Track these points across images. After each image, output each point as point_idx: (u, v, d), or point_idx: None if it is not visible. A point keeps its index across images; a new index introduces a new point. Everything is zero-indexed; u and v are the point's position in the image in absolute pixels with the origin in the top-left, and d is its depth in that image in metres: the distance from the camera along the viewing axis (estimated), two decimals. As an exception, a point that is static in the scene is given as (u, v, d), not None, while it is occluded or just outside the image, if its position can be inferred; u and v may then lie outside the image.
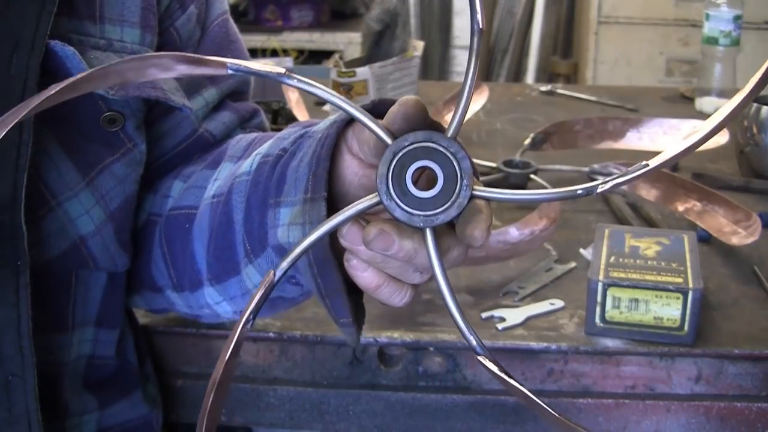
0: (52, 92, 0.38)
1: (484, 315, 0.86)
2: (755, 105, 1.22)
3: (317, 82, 0.44)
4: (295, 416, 0.84)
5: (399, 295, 0.51)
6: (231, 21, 0.77)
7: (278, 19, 2.85)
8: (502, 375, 0.45)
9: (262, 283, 0.46)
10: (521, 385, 0.44)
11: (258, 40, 2.67)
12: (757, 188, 1.20)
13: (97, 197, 0.65)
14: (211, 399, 0.45)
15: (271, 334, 0.83)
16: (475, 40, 0.42)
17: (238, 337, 0.45)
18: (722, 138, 1.26)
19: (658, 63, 2.78)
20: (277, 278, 0.46)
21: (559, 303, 0.88)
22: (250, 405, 0.84)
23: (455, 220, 0.45)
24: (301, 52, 2.78)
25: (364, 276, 0.50)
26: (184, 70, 0.41)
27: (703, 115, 1.50)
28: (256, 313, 0.46)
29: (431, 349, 0.82)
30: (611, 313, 0.81)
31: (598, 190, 0.42)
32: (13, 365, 0.60)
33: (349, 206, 0.46)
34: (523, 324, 0.84)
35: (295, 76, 0.43)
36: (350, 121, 0.54)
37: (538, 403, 0.44)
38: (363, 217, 0.47)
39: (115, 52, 0.63)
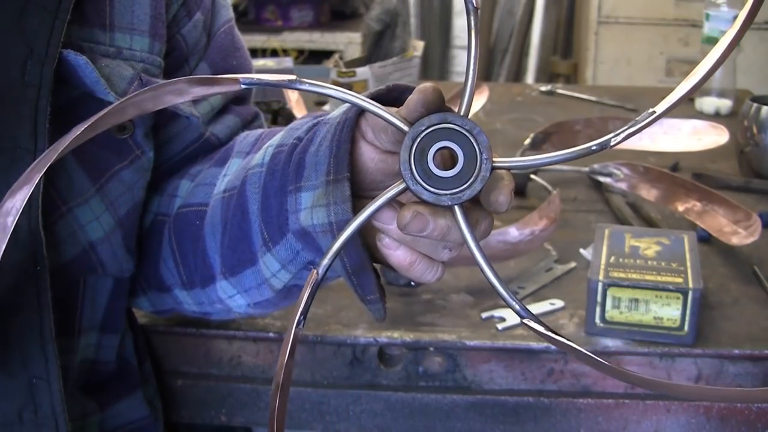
0: (77, 134, 0.39)
1: (484, 315, 0.86)
2: (755, 105, 1.22)
3: (323, 83, 0.46)
4: (295, 416, 0.84)
5: (431, 271, 0.53)
6: (236, 28, 0.78)
7: (278, 19, 2.85)
8: (550, 334, 0.46)
9: (306, 284, 0.48)
10: (569, 341, 0.46)
11: (258, 40, 2.67)
12: (757, 188, 1.20)
13: (107, 203, 0.66)
14: (277, 403, 0.47)
15: (271, 334, 0.83)
16: (473, 18, 0.45)
17: (292, 339, 0.47)
18: (722, 138, 1.26)
19: (658, 63, 2.78)
20: (320, 276, 0.48)
21: (559, 303, 0.88)
22: (250, 405, 0.84)
23: (479, 194, 0.47)
24: (301, 52, 2.78)
25: (397, 254, 0.52)
26: (199, 92, 0.43)
27: (703, 115, 1.50)
28: (305, 313, 0.48)
29: (431, 349, 0.82)
30: (611, 313, 0.81)
31: (612, 143, 0.44)
32: (37, 368, 0.60)
33: (379, 196, 0.48)
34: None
35: (305, 80, 0.45)
36: None
37: (594, 359, 0.45)
38: (396, 201, 0.50)
39: (124, 60, 0.64)
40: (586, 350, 0.45)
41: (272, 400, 0.46)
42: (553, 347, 0.81)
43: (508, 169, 0.47)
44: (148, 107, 0.42)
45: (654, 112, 0.43)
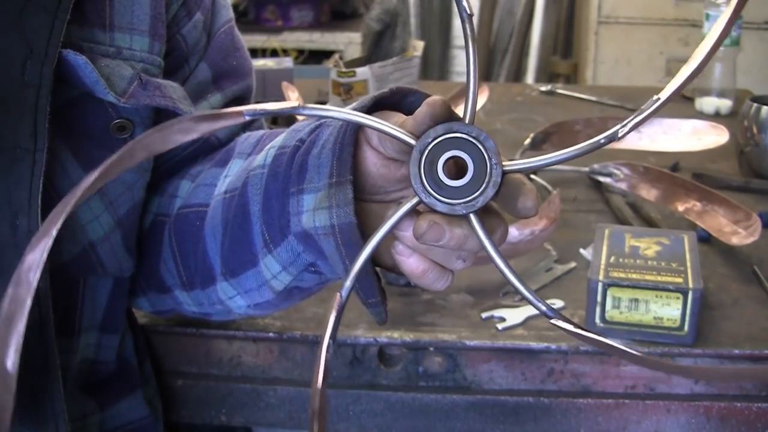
0: (89, 183, 0.39)
1: (484, 315, 0.86)
2: (755, 105, 1.22)
3: (327, 106, 0.46)
4: (295, 416, 0.84)
5: (441, 280, 0.53)
6: (236, 28, 0.78)
7: (278, 19, 2.85)
8: (580, 331, 0.46)
9: (331, 307, 0.48)
10: (602, 337, 0.46)
11: (258, 40, 2.67)
12: (757, 188, 1.20)
13: (106, 203, 0.66)
14: (316, 429, 0.47)
15: (271, 334, 0.83)
16: (468, 26, 0.45)
17: (323, 364, 0.47)
18: (722, 138, 1.26)
19: (658, 63, 2.78)
20: (344, 299, 0.48)
21: (559, 303, 0.88)
22: (250, 405, 0.84)
23: (494, 200, 0.47)
24: (301, 52, 2.78)
25: (410, 262, 0.51)
26: (205, 128, 0.43)
27: (703, 115, 1.50)
28: (334, 337, 0.48)
29: (431, 349, 0.82)
30: (611, 313, 0.81)
31: (620, 134, 0.44)
32: (38, 368, 0.60)
33: (394, 211, 0.48)
34: (523, 324, 0.84)
35: (308, 105, 0.45)
36: (368, 110, 0.55)
37: (630, 353, 0.45)
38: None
39: (124, 60, 0.64)
40: (620, 344, 0.45)
41: (310, 429, 0.47)
42: (553, 347, 0.81)
43: (519, 171, 0.47)
44: (157, 148, 0.42)
45: (659, 98, 0.43)
